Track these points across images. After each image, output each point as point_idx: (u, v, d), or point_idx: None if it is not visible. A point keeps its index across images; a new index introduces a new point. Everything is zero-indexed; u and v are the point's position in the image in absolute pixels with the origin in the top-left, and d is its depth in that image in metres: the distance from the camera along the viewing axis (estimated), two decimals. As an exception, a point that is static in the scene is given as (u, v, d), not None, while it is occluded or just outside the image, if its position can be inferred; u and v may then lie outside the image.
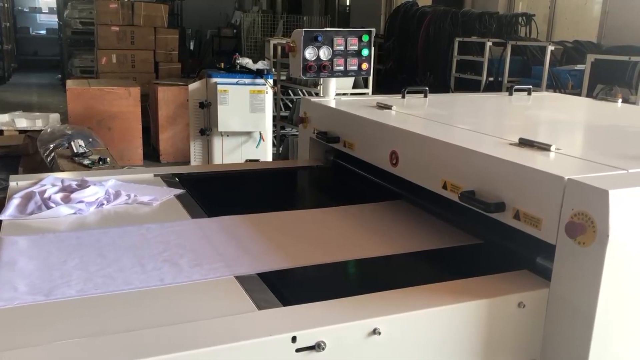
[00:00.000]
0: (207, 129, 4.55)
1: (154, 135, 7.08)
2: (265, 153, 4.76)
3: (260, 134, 4.67)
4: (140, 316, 1.20)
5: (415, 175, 1.82)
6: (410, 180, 1.85)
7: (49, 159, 4.80)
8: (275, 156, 6.03)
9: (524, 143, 1.64)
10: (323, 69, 2.48)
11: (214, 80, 4.53)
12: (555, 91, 5.68)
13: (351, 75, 2.63)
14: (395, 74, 9.31)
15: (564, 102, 2.85)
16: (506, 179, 1.45)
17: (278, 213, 1.91)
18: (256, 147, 4.67)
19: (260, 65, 4.78)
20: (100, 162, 3.98)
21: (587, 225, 1.23)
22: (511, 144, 1.66)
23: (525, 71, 7.00)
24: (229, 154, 4.55)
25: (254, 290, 1.31)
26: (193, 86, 4.58)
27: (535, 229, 1.37)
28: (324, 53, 2.47)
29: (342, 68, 2.51)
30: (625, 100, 2.75)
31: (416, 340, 1.24)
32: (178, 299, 1.28)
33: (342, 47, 2.49)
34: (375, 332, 1.18)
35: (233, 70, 4.68)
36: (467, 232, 1.75)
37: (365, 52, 2.54)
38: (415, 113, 2.24)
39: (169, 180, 2.19)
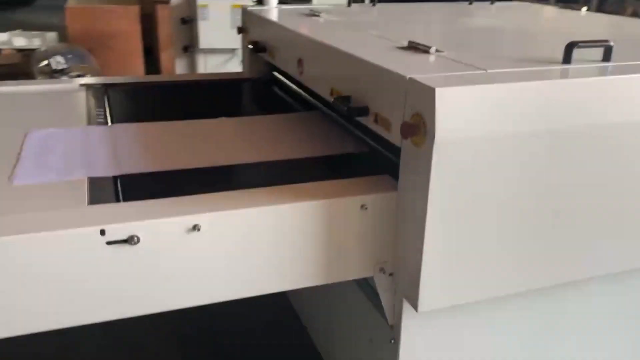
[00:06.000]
0: (191, 46, 4.50)
1: (157, 55, 7.06)
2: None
3: (246, 51, 4.58)
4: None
5: (314, 83, 1.78)
6: (311, 88, 1.81)
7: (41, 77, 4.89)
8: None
9: (410, 47, 1.57)
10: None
11: (194, -6, 4.41)
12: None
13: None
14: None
15: (521, 13, 2.65)
16: (368, 82, 1.41)
17: (187, 121, 1.91)
18: (241, 63, 4.60)
19: (246, -21, 4.63)
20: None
21: (420, 126, 1.19)
22: (398, 47, 1.59)
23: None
24: (212, 71, 4.51)
25: (97, 189, 1.33)
26: (175, 1, 4.50)
27: (387, 132, 1.34)
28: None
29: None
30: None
31: (242, 237, 1.25)
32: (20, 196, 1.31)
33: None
34: (195, 228, 1.20)
35: (216, -16, 4.54)
36: (358, 140, 1.72)
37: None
38: (339, 20, 2.16)
39: (96, 91, 2.20)
